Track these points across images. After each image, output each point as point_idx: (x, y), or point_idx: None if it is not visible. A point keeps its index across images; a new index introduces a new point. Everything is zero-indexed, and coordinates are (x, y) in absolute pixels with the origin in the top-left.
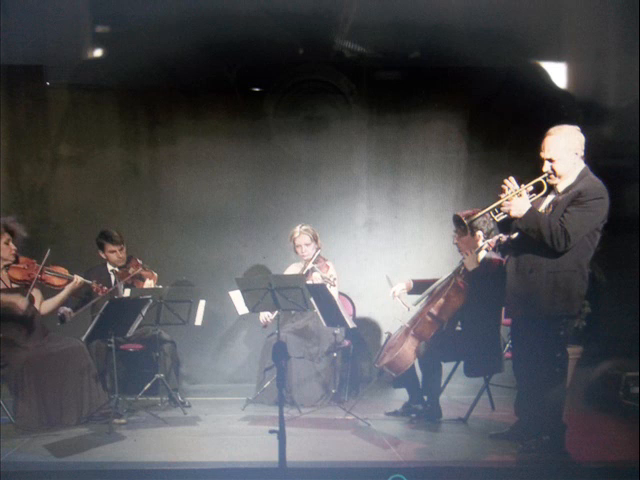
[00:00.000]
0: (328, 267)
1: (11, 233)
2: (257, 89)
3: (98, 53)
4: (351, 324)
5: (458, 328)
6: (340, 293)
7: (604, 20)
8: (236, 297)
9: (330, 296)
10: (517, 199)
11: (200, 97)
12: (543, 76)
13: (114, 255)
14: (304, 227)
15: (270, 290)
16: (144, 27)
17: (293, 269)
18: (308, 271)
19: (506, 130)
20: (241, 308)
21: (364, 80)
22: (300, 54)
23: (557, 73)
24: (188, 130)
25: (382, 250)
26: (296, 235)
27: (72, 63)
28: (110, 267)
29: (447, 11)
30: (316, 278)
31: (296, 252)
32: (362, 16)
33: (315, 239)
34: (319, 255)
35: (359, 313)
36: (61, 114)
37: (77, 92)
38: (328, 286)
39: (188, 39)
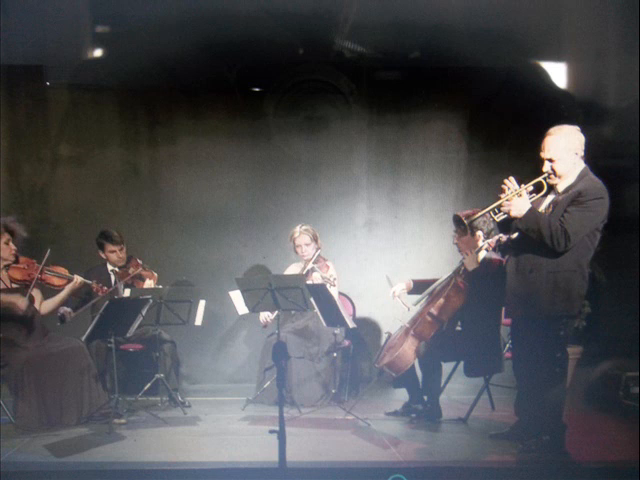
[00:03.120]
0: (328, 267)
1: (11, 233)
2: (257, 89)
3: (98, 53)
4: (351, 324)
5: (458, 328)
6: (340, 293)
7: (604, 20)
8: (236, 297)
9: (330, 296)
10: (517, 199)
11: (200, 97)
12: (543, 76)
13: (114, 255)
14: (304, 227)
15: (270, 290)
16: (144, 27)
17: (293, 269)
18: (308, 271)
19: (506, 130)
20: (241, 308)
21: (364, 80)
22: (300, 54)
23: (557, 73)
24: (188, 130)
25: (382, 250)
26: (296, 235)
27: (72, 63)
28: (110, 267)
29: (447, 11)
30: (316, 278)
31: (296, 252)
32: (362, 16)
33: (315, 239)
34: (319, 255)
35: (359, 313)
36: (61, 114)
37: (77, 92)
38: (328, 286)
39: (188, 39)
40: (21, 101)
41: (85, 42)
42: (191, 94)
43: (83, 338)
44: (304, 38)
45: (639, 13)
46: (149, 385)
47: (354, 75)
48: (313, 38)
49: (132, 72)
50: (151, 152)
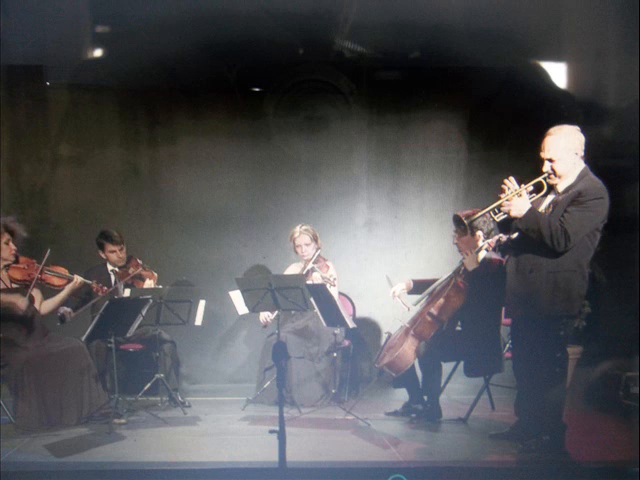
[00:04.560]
0: (328, 267)
1: (11, 233)
2: (257, 89)
3: (98, 53)
4: (351, 324)
5: (458, 328)
6: (340, 293)
7: (604, 20)
8: (236, 297)
9: (330, 296)
10: (517, 199)
11: (200, 97)
12: (543, 76)
13: (114, 255)
14: (304, 227)
15: (270, 290)
16: (144, 27)
17: (293, 269)
18: (308, 271)
19: (506, 130)
20: (241, 308)
21: (364, 80)
22: (300, 54)
23: (557, 73)
24: (188, 130)
25: (382, 250)
26: (296, 235)
27: (72, 63)
28: (110, 267)
29: (447, 11)
30: (316, 278)
31: (296, 252)
32: (362, 16)
33: (315, 239)
34: (319, 255)
35: (359, 313)
36: (61, 114)
37: (77, 92)
38: (328, 286)
39: (188, 39)
40: (21, 101)
41: (85, 42)
42: (191, 94)
43: (83, 338)
44: (304, 38)
45: (639, 13)
46: (149, 385)
47: (354, 75)
48: (313, 38)
49: (132, 72)
50: (151, 152)
